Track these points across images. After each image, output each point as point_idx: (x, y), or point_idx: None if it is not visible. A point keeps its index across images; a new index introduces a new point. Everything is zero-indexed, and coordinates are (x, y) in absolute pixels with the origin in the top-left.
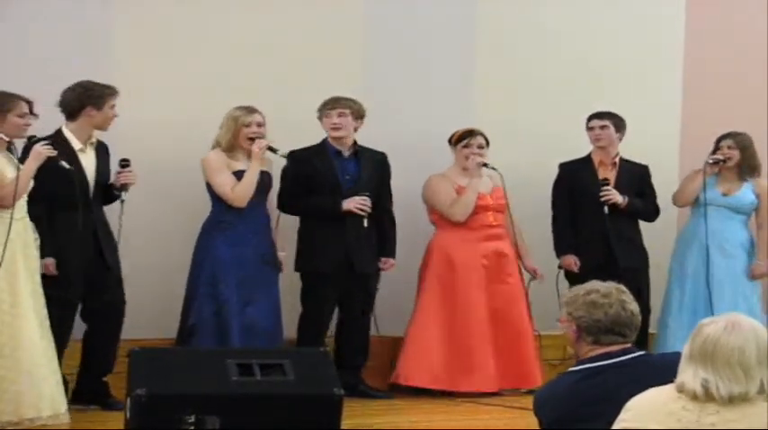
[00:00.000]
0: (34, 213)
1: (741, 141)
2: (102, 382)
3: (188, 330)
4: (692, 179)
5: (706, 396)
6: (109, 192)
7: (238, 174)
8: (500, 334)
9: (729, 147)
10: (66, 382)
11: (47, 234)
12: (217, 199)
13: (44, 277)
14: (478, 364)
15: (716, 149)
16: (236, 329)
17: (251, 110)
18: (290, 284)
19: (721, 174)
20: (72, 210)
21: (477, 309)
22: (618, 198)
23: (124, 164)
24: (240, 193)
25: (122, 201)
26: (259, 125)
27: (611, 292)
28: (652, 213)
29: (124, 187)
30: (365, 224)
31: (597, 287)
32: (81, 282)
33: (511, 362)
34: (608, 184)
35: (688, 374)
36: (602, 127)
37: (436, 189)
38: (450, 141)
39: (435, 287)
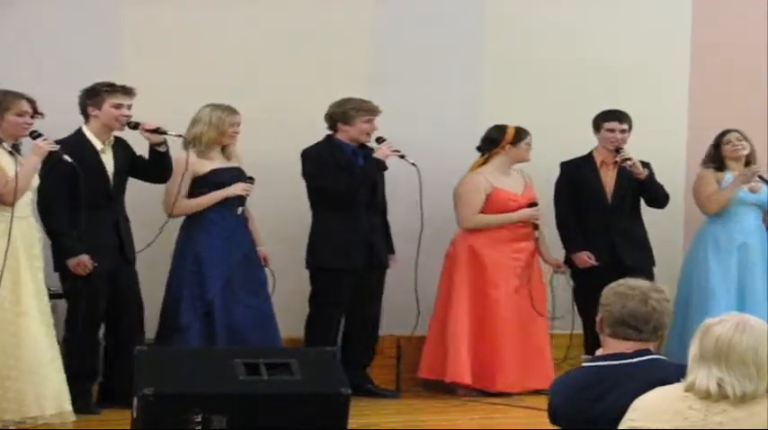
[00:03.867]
0: (58, 212)
1: (743, 133)
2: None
3: (177, 332)
4: (708, 183)
5: (720, 395)
6: (151, 161)
7: (215, 174)
8: (525, 333)
9: (739, 139)
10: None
11: (70, 233)
12: None
13: (74, 276)
14: (508, 364)
15: (718, 144)
16: (222, 329)
17: (234, 110)
18: (290, 283)
19: (735, 170)
20: (94, 209)
21: (506, 308)
22: (639, 166)
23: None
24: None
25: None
26: (238, 124)
27: (639, 286)
28: (664, 198)
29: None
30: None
31: (631, 281)
32: (106, 278)
33: (534, 361)
34: (623, 149)
35: (701, 374)
36: (623, 131)
37: (465, 194)
38: (500, 140)
39: (465, 285)
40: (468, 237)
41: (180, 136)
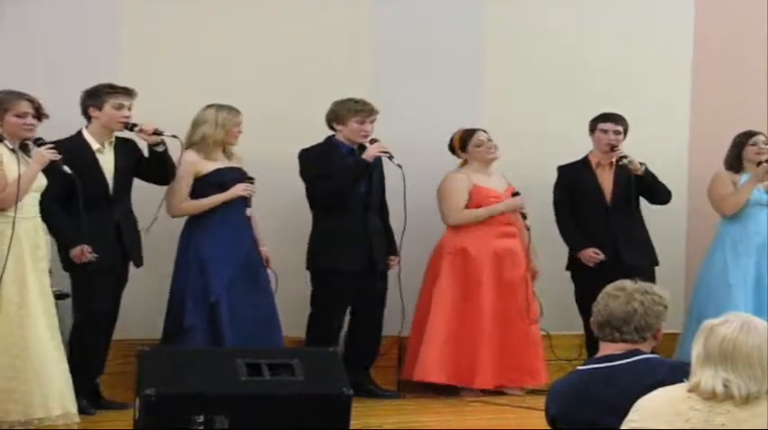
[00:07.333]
0: (57, 213)
1: None
2: (94, 384)
3: (182, 332)
4: (724, 184)
5: (726, 396)
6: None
7: (217, 173)
8: (506, 331)
9: (765, 143)
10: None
11: (69, 227)
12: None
13: (79, 274)
14: (483, 361)
15: (740, 144)
16: (228, 329)
17: (237, 110)
18: (292, 283)
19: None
20: (93, 210)
21: (486, 305)
22: (635, 162)
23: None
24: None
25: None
26: (241, 124)
27: (626, 286)
28: (666, 193)
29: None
30: None
31: (627, 283)
32: (110, 278)
33: (516, 359)
34: (617, 147)
35: (706, 375)
36: (617, 132)
37: (448, 191)
38: (458, 146)
39: (450, 283)
40: (453, 236)
41: (175, 136)
